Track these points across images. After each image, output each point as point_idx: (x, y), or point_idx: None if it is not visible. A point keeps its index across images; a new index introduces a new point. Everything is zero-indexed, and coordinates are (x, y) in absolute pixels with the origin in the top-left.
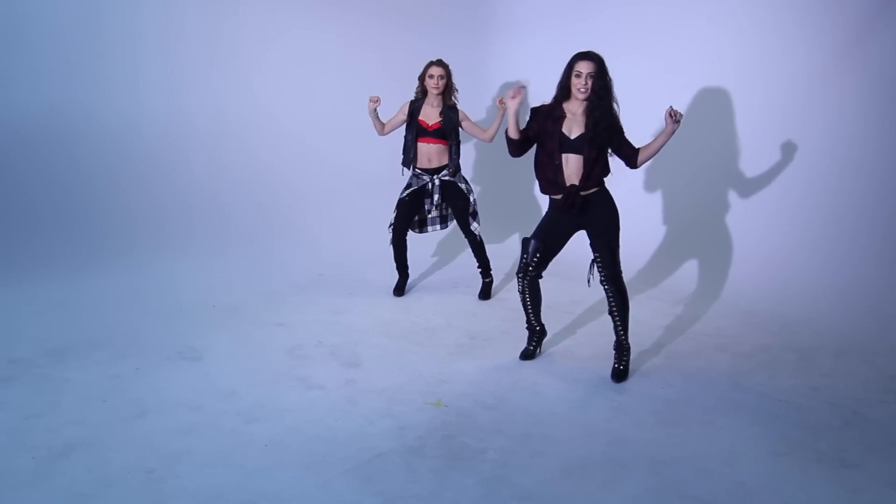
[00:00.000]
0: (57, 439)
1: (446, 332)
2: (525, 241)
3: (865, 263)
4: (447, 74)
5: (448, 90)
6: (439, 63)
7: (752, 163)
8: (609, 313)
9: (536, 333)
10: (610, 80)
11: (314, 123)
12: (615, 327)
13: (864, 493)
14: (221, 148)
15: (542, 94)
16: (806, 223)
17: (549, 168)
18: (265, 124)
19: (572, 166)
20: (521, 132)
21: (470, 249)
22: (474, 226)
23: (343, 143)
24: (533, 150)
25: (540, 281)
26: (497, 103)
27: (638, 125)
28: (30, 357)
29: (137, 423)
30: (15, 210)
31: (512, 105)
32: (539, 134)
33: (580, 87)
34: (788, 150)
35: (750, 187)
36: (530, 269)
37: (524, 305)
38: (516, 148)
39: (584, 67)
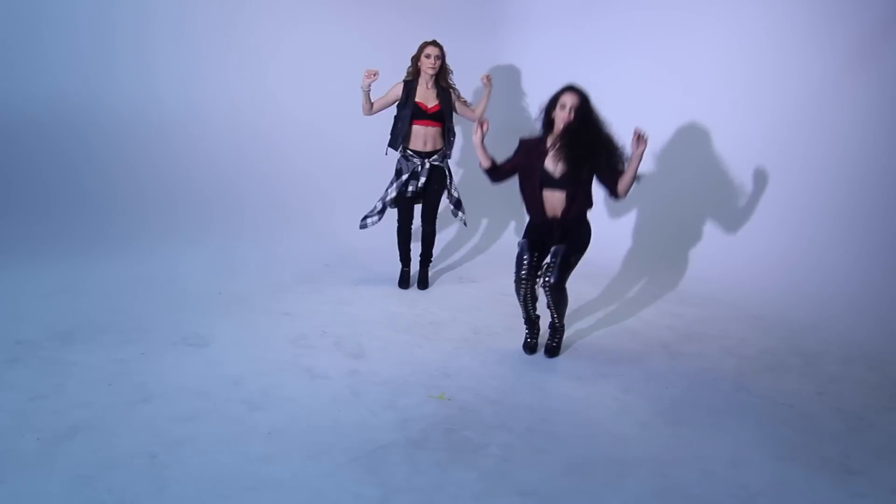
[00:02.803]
0: (62, 421)
1: (451, 325)
2: (518, 255)
3: (874, 269)
4: (443, 55)
5: (443, 71)
6: (434, 43)
7: (762, 166)
8: (547, 307)
9: (535, 326)
10: (595, 114)
11: (324, 115)
12: (551, 314)
13: (867, 499)
14: (231, 138)
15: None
16: (815, 227)
17: (531, 200)
18: (275, 115)
19: (556, 200)
20: (501, 165)
21: (425, 241)
22: (460, 214)
23: (352, 135)
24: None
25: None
26: (482, 80)
27: (648, 127)
28: (36, 339)
29: (142, 407)
30: (26, 193)
31: (475, 138)
32: (521, 167)
33: (563, 119)
34: (799, 154)
35: (759, 190)
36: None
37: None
38: (493, 178)
39: (568, 100)
